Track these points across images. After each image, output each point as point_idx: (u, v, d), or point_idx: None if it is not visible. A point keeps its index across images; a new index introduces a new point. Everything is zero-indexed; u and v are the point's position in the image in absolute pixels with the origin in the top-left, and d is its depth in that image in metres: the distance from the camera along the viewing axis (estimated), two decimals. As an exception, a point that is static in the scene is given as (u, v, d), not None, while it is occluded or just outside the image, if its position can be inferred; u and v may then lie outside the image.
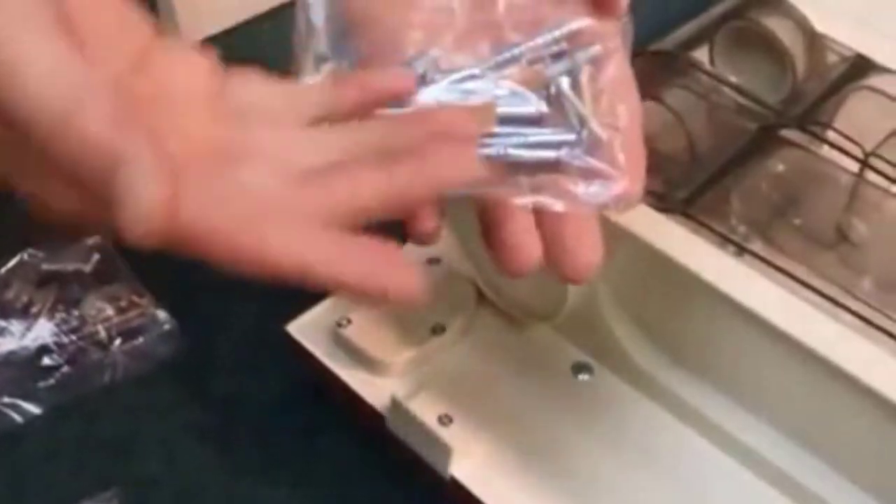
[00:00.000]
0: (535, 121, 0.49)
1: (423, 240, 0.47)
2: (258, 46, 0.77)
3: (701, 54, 0.62)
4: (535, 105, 0.49)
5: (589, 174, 0.47)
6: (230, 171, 0.43)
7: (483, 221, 0.47)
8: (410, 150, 0.43)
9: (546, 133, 0.49)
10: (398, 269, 0.41)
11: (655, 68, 0.59)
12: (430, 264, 0.62)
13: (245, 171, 0.43)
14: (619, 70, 0.50)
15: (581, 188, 0.47)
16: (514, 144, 0.48)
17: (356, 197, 0.42)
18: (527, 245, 0.46)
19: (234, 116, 0.45)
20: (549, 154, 0.48)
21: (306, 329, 0.61)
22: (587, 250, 0.46)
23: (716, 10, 0.63)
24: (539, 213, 0.46)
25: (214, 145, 0.44)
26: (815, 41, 0.61)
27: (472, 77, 0.49)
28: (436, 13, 0.50)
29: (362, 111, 0.46)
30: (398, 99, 0.47)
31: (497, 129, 0.48)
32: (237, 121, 0.45)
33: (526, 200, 0.46)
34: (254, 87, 0.46)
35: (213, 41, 0.79)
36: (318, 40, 0.51)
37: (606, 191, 0.47)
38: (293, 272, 0.41)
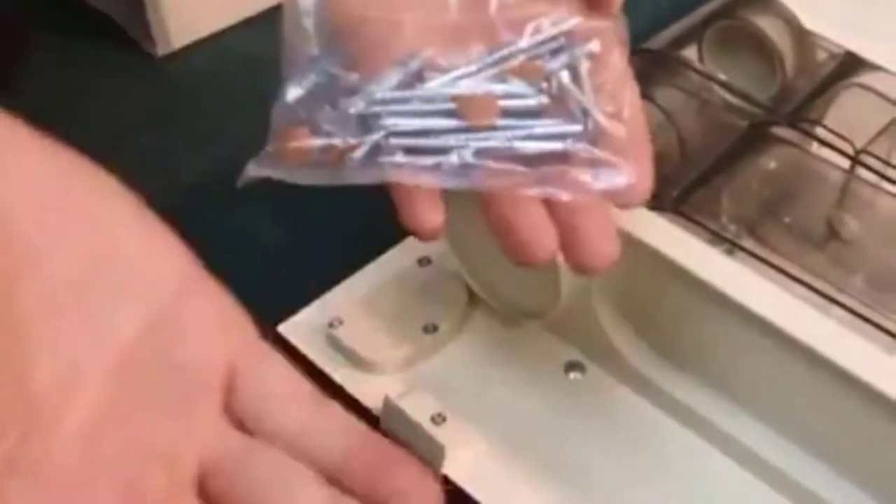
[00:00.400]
0: (536, 113, 0.49)
1: (426, 235, 0.46)
2: (249, 50, 0.77)
3: (691, 53, 0.62)
4: (535, 98, 0.49)
5: (596, 164, 0.47)
6: None
7: (492, 216, 0.46)
8: None
9: (551, 124, 0.48)
10: None
11: (645, 67, 0.58)
12: (421, 265, 0.62)
13: None
14: (618, 64, 0.49)
15: (588, 178, 0.47)
16: (519, 137, 0.48)
17: None
18: (541, 238, 0.46)
19: (245, 430, 0.41)
20: (556, 145, 0.48)
21: (298, 330, 0.61)
22: (605, 240, 0.46)
23: (705, 9, 0.63)
24: (551, 205, 0.46)
25: (208, 469, 0.40)
26: (804, 39, 0.60)
27: (468, 75, 0.49)
28: (428, 13, 0.50)
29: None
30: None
31: (499, 123, 0.48)
32: (247, 442, 0.41)
33: (534, 191, 0.46)
34: (275, 384, 0.43)
35: (202, 43, 0.79)
36: (308, 42, 0.51)
37: (614, 180, 0.47)
38: None
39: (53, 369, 0.38)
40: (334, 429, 0.43)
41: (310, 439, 0.42)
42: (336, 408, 0.44)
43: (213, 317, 0.42)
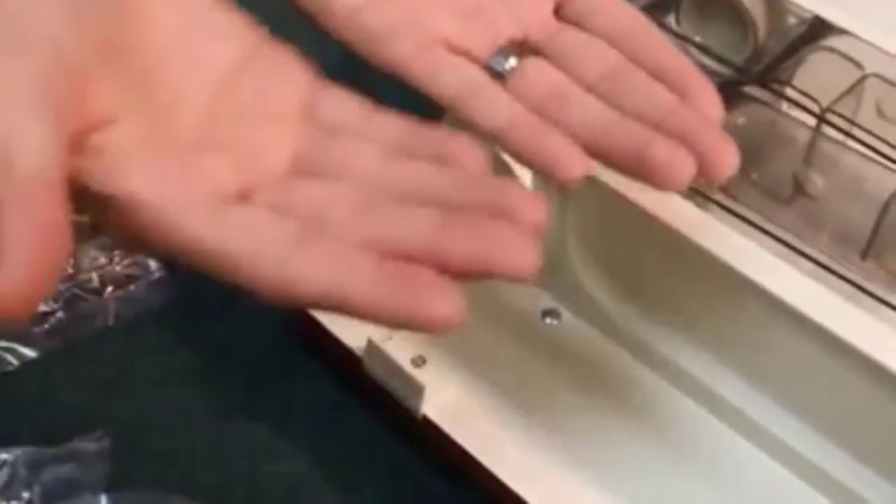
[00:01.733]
0: None
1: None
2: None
3: (669, 20, 0.63)
4: None
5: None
6: (301, 189, 0.42)
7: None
8: (469, 220, 0.40)
9: None
10: (437, 296, 0.38)
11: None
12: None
13: (316, 190, 0.42)
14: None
15: None
16: None
17: (407, 241, 0.40)
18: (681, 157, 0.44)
19: (322, 133, 0.44)
20: None
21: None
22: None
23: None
24: None
25: (296, 165, 0.43)
26: (775, 4, 0.61)
27: None
28: None
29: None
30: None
31: None
32: (324, 139, 0.44)
33: None
34: (347, 106, 0.45)
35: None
36: None
37: None
38: (325, 299, 0.39)
39: (169, 81, 0.43)
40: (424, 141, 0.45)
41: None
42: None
43: (286, 57, 0.46)
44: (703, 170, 0.44)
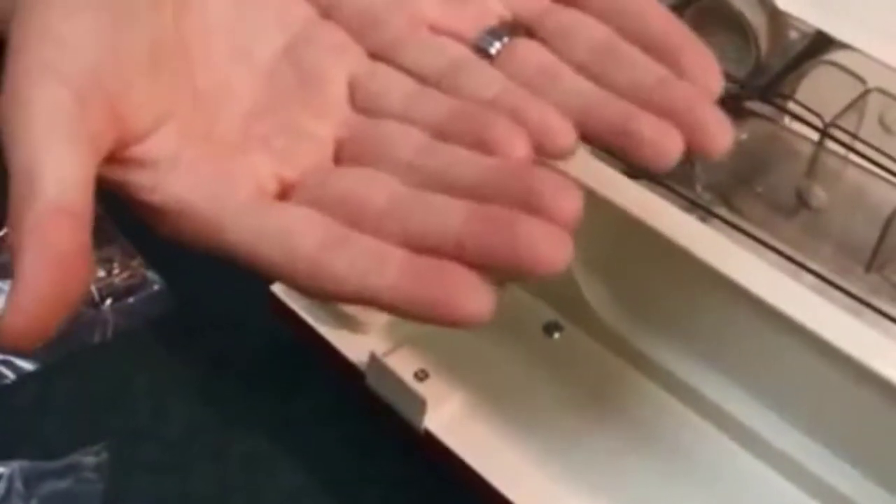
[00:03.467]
0: None
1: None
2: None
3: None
4: None
5: None
6: (339, 182, 0.42)
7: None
8: (501, 215, 0.39)
9: None
10: (466, 293, 0.38)
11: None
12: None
13: (353, 181, 0.42)
14: None
15: None
16: None
17: (437, 236, 0.39)
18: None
19: (365, 117, 0.45)
20: None
21: (290, 289, 0.61)
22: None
23: (685, -8, 0.63)
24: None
25: (339, 153, 0.44)
26: (777, 19, 0.61)
27: None
28: None
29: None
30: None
31: None
32: (367, 123, 0.44)
33: None
34: (392, 85, 0.45)
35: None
36: None
37: None
38: (356, 297, 0.39)
39: (213, 76, 0.44)
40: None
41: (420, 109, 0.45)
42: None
43: (334, 41, 0.47)
44: (693, 146, 0.41)
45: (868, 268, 0.55)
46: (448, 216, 0.40)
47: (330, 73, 0.46)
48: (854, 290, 0.53)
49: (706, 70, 0.44)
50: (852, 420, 0.52)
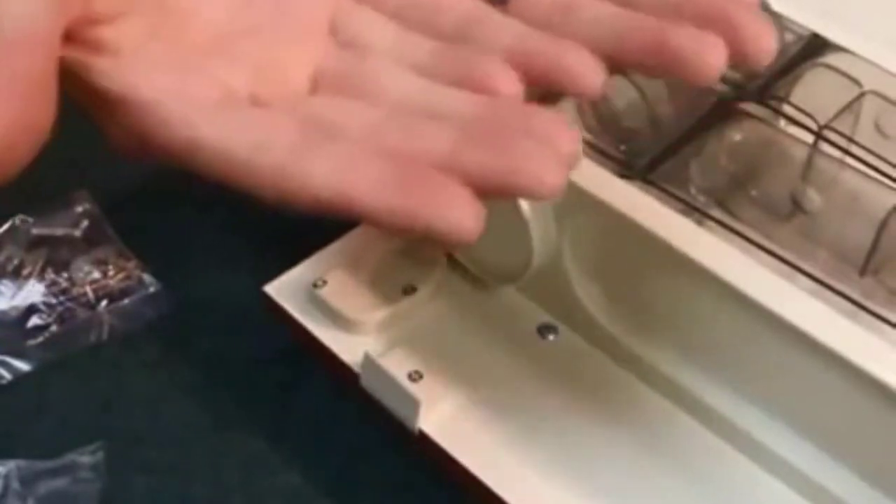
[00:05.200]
0: None
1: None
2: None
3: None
4: None
5: None
6: (317, 102, 0.41)
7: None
8: (494, 134, 0.38)
9: None
10: (454, 201, 0.36)
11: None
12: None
13: (333, 104, 0.41)
14: None
15: None
16: None
17: (423, 152, 0.37)
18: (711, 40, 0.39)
19: (348, 52, 0.43)
20: None
21: (284, 290, 0.61)
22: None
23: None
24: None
25: (317, 82, 0.42)
26: (772, 21, 0.60)
27: None
28: None
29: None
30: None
31: None
32: (349, 57, 0.43)
33: None
34: (377, 26, 0.44)
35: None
36: None
37: None
38: (328, 200, 0.37)
39: None
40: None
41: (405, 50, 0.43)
42: None
43: None
44: (737, 52, 0.39)
45: (862, 271, 0.55)
46: (439, 135, 0.38)
47: (310, 5, 0.44)
48: (849, 293, 0.53)
49: None
50: (846, 422, 0.52)
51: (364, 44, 0.43)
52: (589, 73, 0.40)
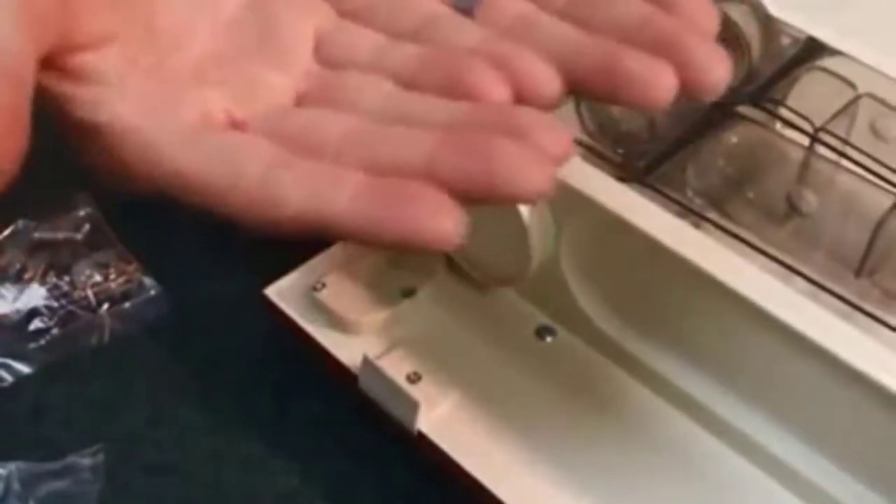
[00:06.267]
0: None
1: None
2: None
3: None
4: None
5: None
6: (296, 116, 0.41)
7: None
8: (474, 137, 0.37)
9: None
10: (431, 209, 0.35)
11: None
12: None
13: (312, 116, 0.41)
14: None
15: None
16: None
17: (401, 160, 0.37)
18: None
19: (330, 71, 0.43)
20: None
21: (283, 293, 0.61)
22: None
23: None
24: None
25: (303, 95, 0.42)
26: (769, 25, 0.61)
27: None
28: None
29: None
30: None
31: None
32: (331, 77, 0.43)
33: None
34: (361, 41, 0.44)
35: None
36: None
37: None
38: (305, 220, 0.37)
39: (172, 19, 0.42)
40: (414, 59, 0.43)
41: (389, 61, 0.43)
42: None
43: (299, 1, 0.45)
44: (688, 80, 0.38)
45: (858, 272, 0.55)
46: (416, 144, 0.37)
47: (295, 27, 0.44)
48: (845, 294, 0.53)
49: (698, 6, 0.40)
50: (842, 423, 0.52)
51: (348, 58, 0.43)
52: (547, 80, 0.40)
